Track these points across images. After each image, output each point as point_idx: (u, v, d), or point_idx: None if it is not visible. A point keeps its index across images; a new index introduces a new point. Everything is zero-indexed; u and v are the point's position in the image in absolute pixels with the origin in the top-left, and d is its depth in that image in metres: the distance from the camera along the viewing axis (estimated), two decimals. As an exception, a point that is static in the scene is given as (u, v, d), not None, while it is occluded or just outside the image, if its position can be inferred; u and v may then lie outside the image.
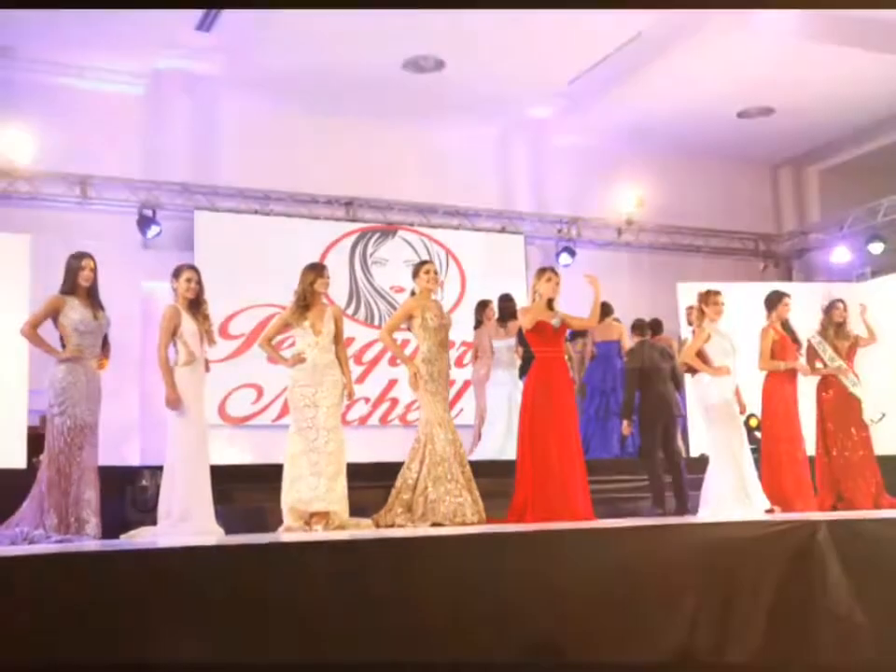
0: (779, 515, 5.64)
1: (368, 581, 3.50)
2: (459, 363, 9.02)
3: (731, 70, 8.91)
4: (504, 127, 10.32)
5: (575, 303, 5.81)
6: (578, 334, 8.40)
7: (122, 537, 4.98)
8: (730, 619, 4.04)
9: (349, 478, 5.32)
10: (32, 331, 5.02)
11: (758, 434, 6.85)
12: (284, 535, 5.05)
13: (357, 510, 5.39)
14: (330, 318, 5.44)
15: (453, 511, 5.30)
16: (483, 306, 8.33)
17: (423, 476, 5.42)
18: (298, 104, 9.30)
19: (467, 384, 8.93)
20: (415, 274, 5.70)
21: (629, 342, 7.60)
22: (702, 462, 6.44)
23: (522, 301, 8.00)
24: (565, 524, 4.88)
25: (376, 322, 9.43)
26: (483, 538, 4.26)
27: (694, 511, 6.13)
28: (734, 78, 9.09)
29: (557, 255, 10.29)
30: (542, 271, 5.73)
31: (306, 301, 5.40)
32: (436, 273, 5.73)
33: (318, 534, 4.99)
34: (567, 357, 5.99)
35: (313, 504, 5.17)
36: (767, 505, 5.88)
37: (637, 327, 7.22)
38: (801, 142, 10.81)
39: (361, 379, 9.02)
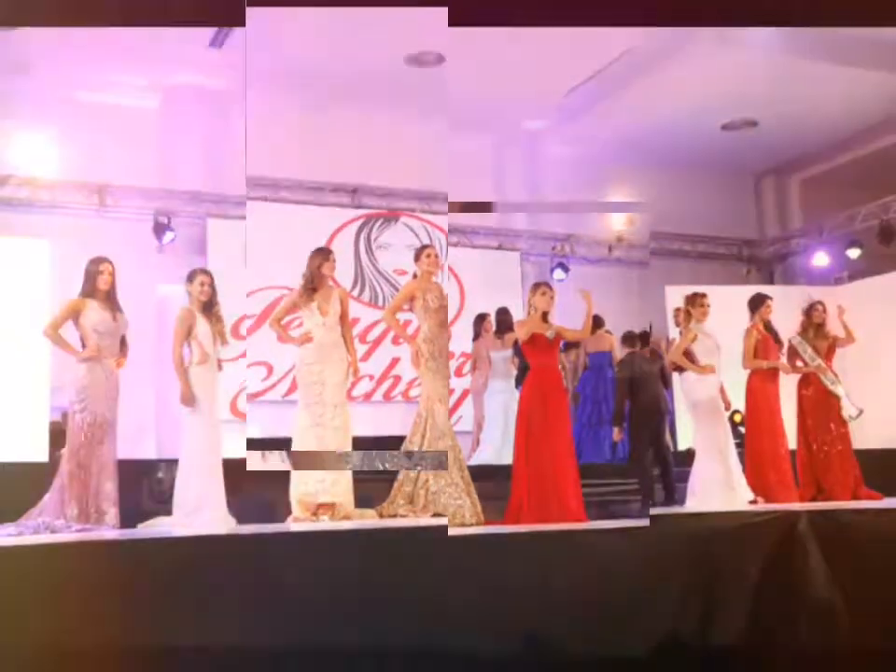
0: (763, 506, 5.79)
1: (370, 568, 3.66)
2: (459, 373, 9.12)
3: (716, 84, 9.06)
4: (502, 139, 10.46)
5: (568, 316, 5.85)
6: (571, 345, 8.49)
7: (140, 526, 5.08)
8: (715, 603, 4.21)
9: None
10: (53, 332, 5.13)
11: (742, 429, 7.02)
12: (292, 525, 5.16)
13: (362, 501, 5.50)
14: (336, 300, 5.54)
15: (452, 513, 5.34)
16: (481, 319, 8.49)
17: (424, 463, 5.48)
18: (303, 104, 9.36)
19: (466, 392, 8.98)
20: (417, 258, 5.78)
21: (619, 352, 7.72)
22: (689, 455, 6.60)
23: (518, 314, 8.06)
24: (558, 525, 4.95)
25: (380, 303, 9.61)
26: (481, 538, 4.39)
27: (682, 501, 6.26)
28: (719, 92, 9.24)
29: (551, 270, 10.48)
30: (537, 285, 5.78)
31: (313, 284, 5.50)
32: (436, 256, 5.78)
33: (325, 524, 5.09)
34: (560, 366, 6.03)
35: (319, 496, 5.26)
36: (751, 496, 6.01)
37: (628, 338, 7.37)
38: (783, 153, 10.98)
39: (366, 357, 9.11)
